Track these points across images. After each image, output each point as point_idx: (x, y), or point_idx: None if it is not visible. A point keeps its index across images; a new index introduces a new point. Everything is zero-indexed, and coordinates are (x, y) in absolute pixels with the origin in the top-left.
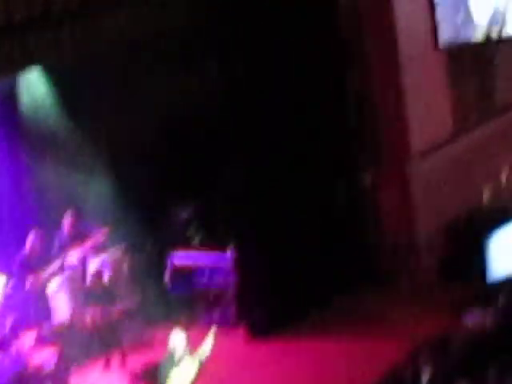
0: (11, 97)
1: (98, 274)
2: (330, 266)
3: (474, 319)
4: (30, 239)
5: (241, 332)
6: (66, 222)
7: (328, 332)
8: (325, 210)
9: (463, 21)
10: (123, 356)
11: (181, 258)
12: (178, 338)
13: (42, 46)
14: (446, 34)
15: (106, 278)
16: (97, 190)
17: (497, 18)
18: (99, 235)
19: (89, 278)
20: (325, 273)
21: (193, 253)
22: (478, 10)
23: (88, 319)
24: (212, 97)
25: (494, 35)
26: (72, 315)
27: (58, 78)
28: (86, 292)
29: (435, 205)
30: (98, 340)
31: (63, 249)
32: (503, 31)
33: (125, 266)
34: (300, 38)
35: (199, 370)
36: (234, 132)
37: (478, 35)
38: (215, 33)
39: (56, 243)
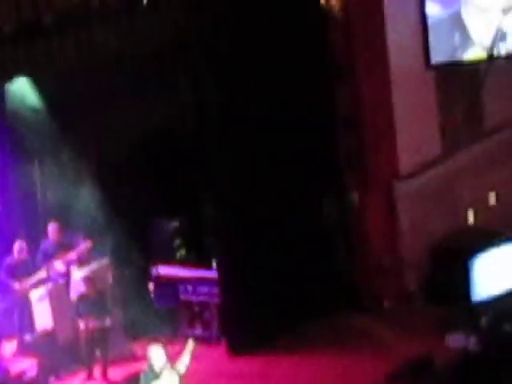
0: None
1: (89, 282)
2: (313, 285)
3: (458, 342)
4: (17, 247)
5: (222, 347)
6: (51, 231)
7: (308, 351)
8: (311, 228)
9: (460, 41)
10: (104, 368)
11: (166, 269)
12: (157, 351)
13: (32, 57)
14: (438, 55)
15: (89, 289)
16: (82, 200)
17: (496, 36)
18: (84, 246)
19: (72, 289)
20: (309, 291)
21: (178, 265)
22: (477, 30)
23: (70, 330)
24: (199, 108)
25: (493, 53)
26: (54, 325)
27: (47, 86)
28: (70, 303)
29: (421, 226)
30: (79, 352)
31: (48, 258)
32: (502, 48)
33: (109, 278)
34: (289, 53)
35: (180, 382)
36: (221, 145)
37: (475, 55)
38: (204, 43)
39: (41, 252)
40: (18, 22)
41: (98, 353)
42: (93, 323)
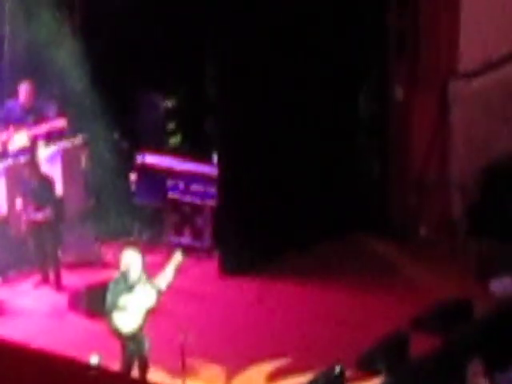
0: None
1: (32, 165)
2: (332, 198)
3: (503, 287)
4: None
5: (213, 262)
6: (23, 92)
7: (317, 278)
8: (339, 126)
9: None
10: (57, 272)
11: (154, 158)
12: (133, 258)
13: None
14: None
15: (55, 171)
16: (59, 61)
17: None
18: (56, 123)
19: (33, 168)
20: (326, 205)
21: (169, 154)
22: None
23: (25, 217)
24: None
25: None
26: (8, 211)
27: None
28: (30, 185)
29: (478, 138)
30: (33, 246)
31: (10, 126)
32: None
33: (81, 161)
34: None
35: (156, 300)
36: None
37: None
38: None
39: (4, 114)
40: None
41: (53, 251)
42: (29, 213)
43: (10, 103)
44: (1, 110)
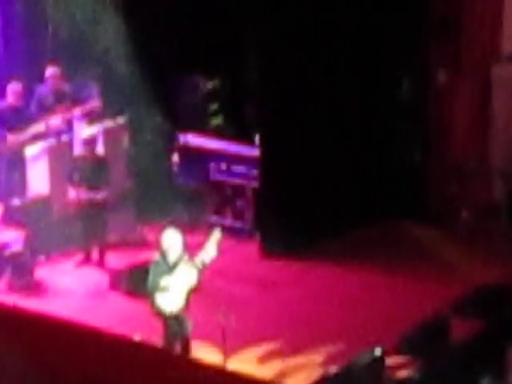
0: None
1: (89, 145)
2: (373, 182)
3: None
4: (10, 89)
5: (254, 243)
6: (50, 75)
7: (356, 261)
8: (380, 110)
9: None
10: (102, 252)
11: (196, 139)
12: (173, 239)
13: None
14: None
15: (97, 152)
16: (98, 38)
17: None
18: (91, 104)
19: (76, 149)
20: (366, 189)
21: (212, 135)
22: None
23: (68, 199)
24: None
25: None
26: (50, 191)
27: None
28: (71, 166)
29: None
30: (81, 226)
31: (44, 108)
32: None
33: (123, 142)
34: None
35: (198, 278)
36: None
37: None
38: None
39: (36, 99)
40: None
41: (96, 232)
42: (83, 194)
43: (40, 88)
44: (33, 94)
